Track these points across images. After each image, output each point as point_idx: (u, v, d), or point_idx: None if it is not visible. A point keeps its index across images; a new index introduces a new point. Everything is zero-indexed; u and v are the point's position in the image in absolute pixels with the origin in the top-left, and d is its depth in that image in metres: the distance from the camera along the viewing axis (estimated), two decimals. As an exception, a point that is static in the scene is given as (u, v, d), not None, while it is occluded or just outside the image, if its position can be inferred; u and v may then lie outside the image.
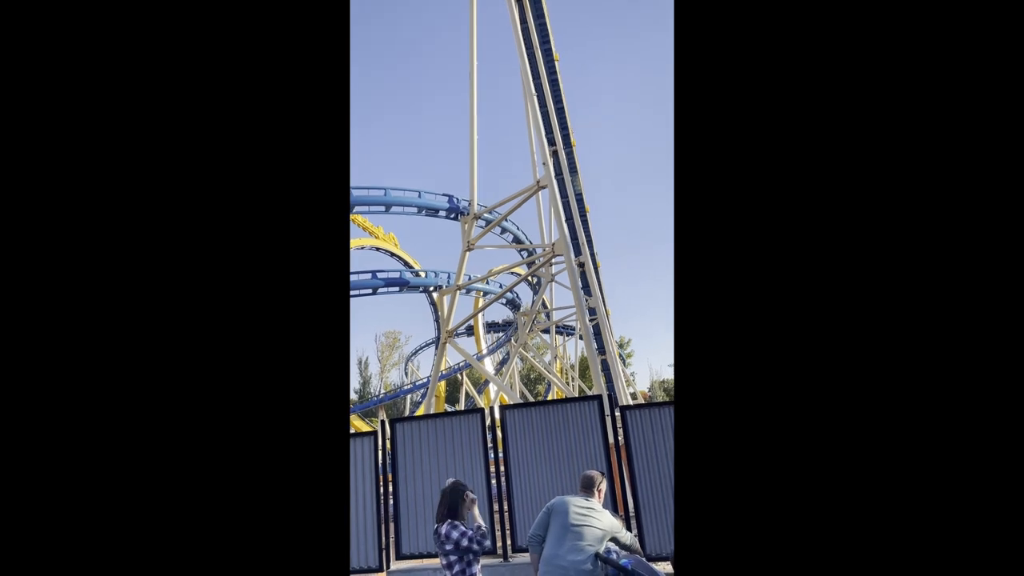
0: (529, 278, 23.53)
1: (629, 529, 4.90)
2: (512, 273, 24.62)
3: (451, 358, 28.78)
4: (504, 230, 24.01)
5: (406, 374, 40.75)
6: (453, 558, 3.27)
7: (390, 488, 6.24)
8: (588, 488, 3.56)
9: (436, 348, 23.73)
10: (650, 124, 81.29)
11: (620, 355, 25.71)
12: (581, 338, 23.53)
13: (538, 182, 17.57)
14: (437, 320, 28.97)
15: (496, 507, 6.02)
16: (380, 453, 6.36)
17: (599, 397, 6.07)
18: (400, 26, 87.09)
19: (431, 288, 26.76)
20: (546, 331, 31.92)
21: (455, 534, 3.28)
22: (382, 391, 43.39)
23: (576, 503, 3.40)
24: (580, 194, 20.02)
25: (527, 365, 37.91)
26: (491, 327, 35.84)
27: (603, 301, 18.79)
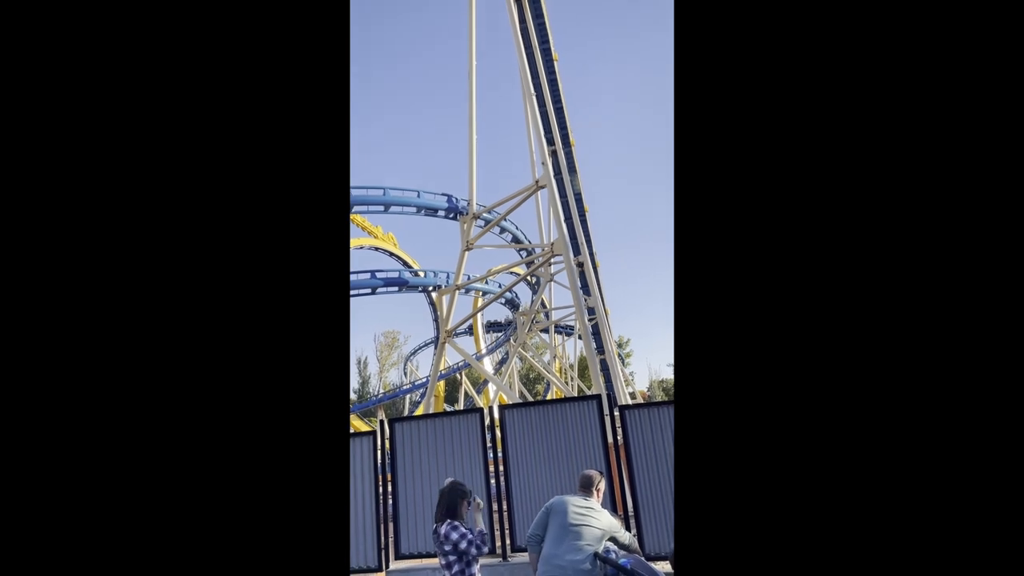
0: (528, 278, 23.52)
1: (628, 529, 4.90)
2: (511, 273, 24.61)
3: (450, 358, 28.77)
4: (503, 230, 24.00)
5: (405, 374, 40.74)
6: (452, 558, 3.27)
7: (389, 488, 6.24)
8: (587, 488, 3.56)
9: (435, 348, 23.72)
10: (649, 124, 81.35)
11: (619, 355, 25.72)
12: (580, 338, 23.53)
13: (537, 182, 17.57)
14: (436, 320, 28.96)
15: (495, 507, 6.02)
16: (379, 453, 6.36)
17: (598, 397, 6.08)
18: (399, 26, 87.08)
19: (430, 288, 26.75)
20: (545, 331, 31.92)
21: (454, 535, 3.28)
22: (381, 391, 43.37)
23: (575, 503, 3.41)
24: (579, 194, 20.03)
25: (526, 365, 37.91)
26: (490, 327, 35.83)
27: (602, 301, 18.80)
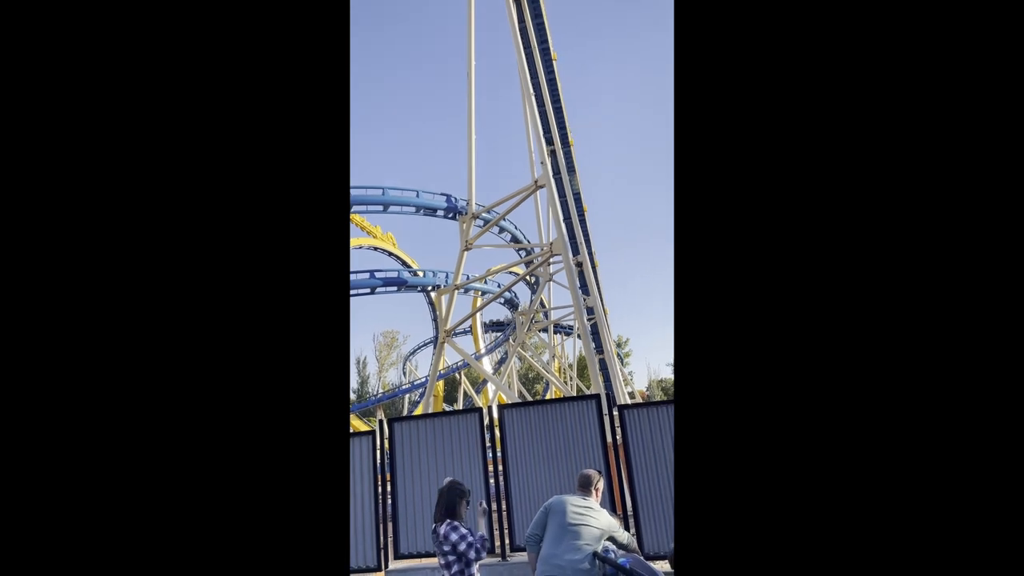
0: (527, 277, 23.53)
1: (627, 528, 4.90)
2: (510, 272, 24.61)
3: (449, 358, 28.76)
4: (502, 229, 24.00)
5: (404, 373, 40.75)
6: (452, 558, 3.28)
7: (388, 487, 6.24)
8: (585, 487, 3.56)
9: (434, 347, 23.72)
10: (648, 123, 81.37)
11: (618, 354, 25.73)
12: (579, 337, 23.54)
13: (536, 181, 17.58)
14: (435, 320, 28.96)
15: (494, 506, 6.02)
16: (378, 452, 6.36)
17: (597, 396, 6.08)
18: (398, 26, 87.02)
19: (429, 288, 26.73)
20: (544, 330, 31.94)
21: (454, 536, 3.28)
22: (380, 390, 43.36)
23: (573, 502, 3.41)
24: (578, 193, 20.05)
25: (525, 364, 37.92)
26: (489, 326, 35.83)
27: (601, 300, 18.80)
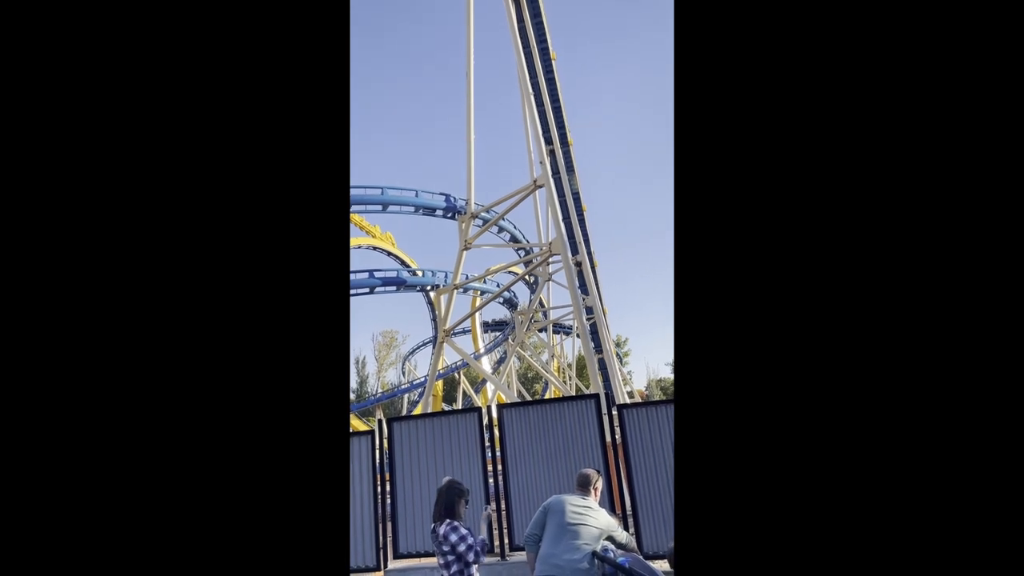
0: (526, 277, 23.53)
1: (626, 528, 4.91)
2: (509, 272, 24.62)
3: (448, 357, 28.74)
4: (501, 229, 24.00)
5: (403, 373, 40.74)
6: (451, 558, 3.28)
7: (387, 487, 6.24)
8: (584, 487, 3.56)
9: (433, 347, 23.71)
10: (648, 123, 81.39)
11: (617, 354, 25.73)
12: (578, 337, 23.54)
13: (535, 181, 17.58)
14: (434, 319, 28.95)
15: (493, 506, 6.02)
16: (378, 452, 6.36)
17: (596, 396, 6.09)
18: (397, 25, 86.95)
19: (428, 287, 26.72)
20: (543, 330, 31.94)
21: (454, 537, 3.28)
22: (379, 390, 43.35)
23: (572, 502, 3.41)
24: (577, 193, 20.04)
25: (524, 364, 37.93)
26: (488, 326, 35.84)
27: (600, 300, 18.80)
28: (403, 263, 28.67)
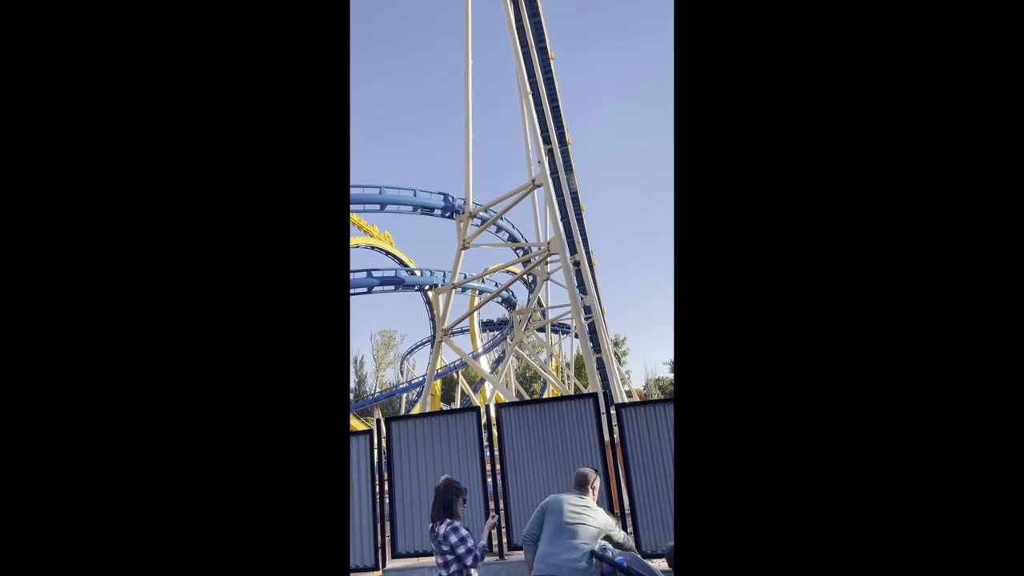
0: (525, 276, 23.53)
1: (624, 528, 4.91)
2: (508, 272, 24.61)
3: (447, 357, 28.76)
4: (499, 228, 23.99)
5: (401, 373, 40.72)
6: (450, 558, 3.28)
7: (386, 487, 6.24)
8: (582, 486, 3.56)
9: (432, 347, 23.71)
10: (647, 122, 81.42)
11: (615, 353, 25.74)
12: (576, 336, 23.55)
13: (533, 180, 17.57)
14: (432, 319, 28.94)
15: (492, 505, 6.02)
16: (376, 452, 6.35)
17: (594, 395, 6.09)
18: (396, 25, 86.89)
19: (426, 287, 26.71)
20: (541, 329, 31.94)
21: (454, 538, 3.28)
22: (377, 390, 43.34)
23: (570, 501, 3.41)
24: (575, 192, 20.03)
25: (523, 363, 37.93)
26: (486, 325, 35.84)
27: (598, 299, 18.81)
28: (401, 262, 28.66)
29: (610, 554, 3.30)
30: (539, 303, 27.26)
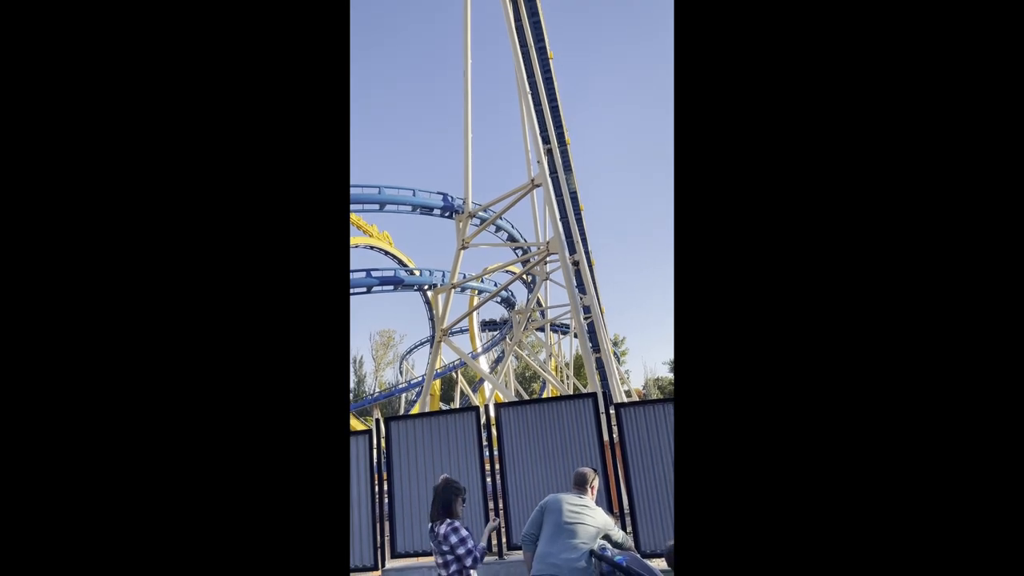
0: (524, 276, 23.53)
1: (623, 527, 4.91)
2: (507, 271, 24.61)
3: (446, 356, 28.75)
4: (499, 228, 23.98)
5: (401, 373, 40.72)
6: (450, 558, 3.28)
7: (385, 486, 6.24)
8: (581, 485, 3.57)
9: (431, 346, 23.71)
10: (646, 122, 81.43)
11: (614, 353, 25.74)
12: (576, 336, 23.56)
13: (532, 180, 17.57)
14: (432, 319, 28.93)
15: (491, 505, 6.03)
16: (375, 451, 6.36)
17: (594, 395, 6.10)
18: (395, 24, 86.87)
19: (426, 287, 26.69)
20: (541, 329, 31.94)
21: (454, 539, 3.28)
22: (377, 390, 43.32)
23: (569, 501, 3.41)
24: (575, 192, 20.04)
25: (522, 363, 37.93)
26: (486, 325, 35.83)
27: (597, 299, 18.82)
28: (400, 262, 28.64)
29: (609, 554, 3.30)
30: (538, 303, 27.27)
